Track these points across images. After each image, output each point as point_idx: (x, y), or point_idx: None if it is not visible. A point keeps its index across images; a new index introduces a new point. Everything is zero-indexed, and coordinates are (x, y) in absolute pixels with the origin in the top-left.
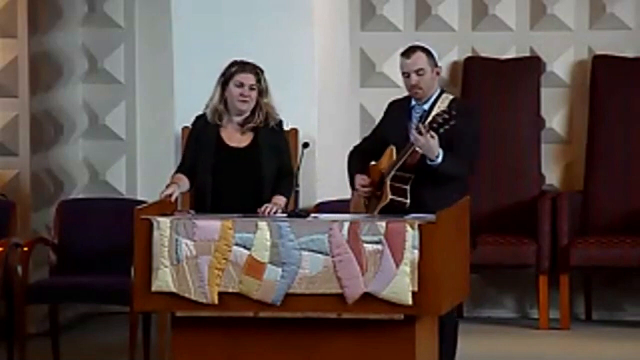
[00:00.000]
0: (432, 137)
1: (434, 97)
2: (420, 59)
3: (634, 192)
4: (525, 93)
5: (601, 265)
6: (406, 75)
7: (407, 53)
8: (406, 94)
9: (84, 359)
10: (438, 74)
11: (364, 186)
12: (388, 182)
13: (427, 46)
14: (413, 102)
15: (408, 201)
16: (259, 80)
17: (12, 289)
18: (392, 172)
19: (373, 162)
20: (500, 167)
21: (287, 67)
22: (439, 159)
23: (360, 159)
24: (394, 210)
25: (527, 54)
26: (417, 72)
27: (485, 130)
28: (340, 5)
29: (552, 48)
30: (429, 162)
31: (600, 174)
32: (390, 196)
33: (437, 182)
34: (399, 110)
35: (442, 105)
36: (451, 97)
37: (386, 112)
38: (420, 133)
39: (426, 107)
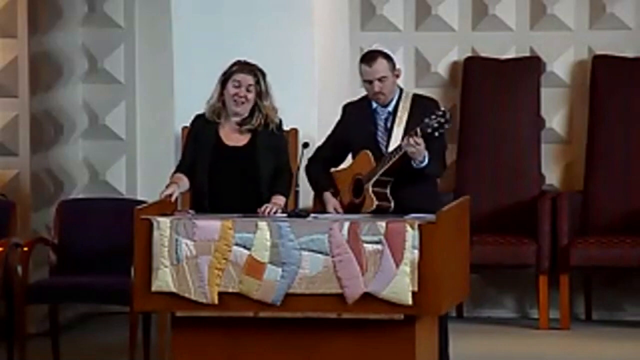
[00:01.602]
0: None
1: (396, 97)
2: (381, 66)
3: (634, 192)
4: (525, 93)
5: (601, 265)
6: (368, 82)
7: (368, 60)
8: (361, 95)
9: (84, 359)
10: (398, 76)
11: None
12: (370, 189)
13: (386, 50)
14: (374, 105)
15: (392, 205)
16: (257, 82)
17: (12, 289)
18: (375, 178)
19: (333, 169)
20: (500, 167)
21: (287, 67)
22: (425, 162)
23: (322, 169)
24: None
25: (527, 54)
26: (379, 79)
27: (485, 130)
28: (340, 5)
29: (552, 48)
30: (415, 166)
31: (600, 174)
32: (376, 202)
33: (412, 181)
34: (359, 114)
35: (405, 104)
36: (411, 93)
37: (343, 116)
38: (417, 143)
39: (390, 108)
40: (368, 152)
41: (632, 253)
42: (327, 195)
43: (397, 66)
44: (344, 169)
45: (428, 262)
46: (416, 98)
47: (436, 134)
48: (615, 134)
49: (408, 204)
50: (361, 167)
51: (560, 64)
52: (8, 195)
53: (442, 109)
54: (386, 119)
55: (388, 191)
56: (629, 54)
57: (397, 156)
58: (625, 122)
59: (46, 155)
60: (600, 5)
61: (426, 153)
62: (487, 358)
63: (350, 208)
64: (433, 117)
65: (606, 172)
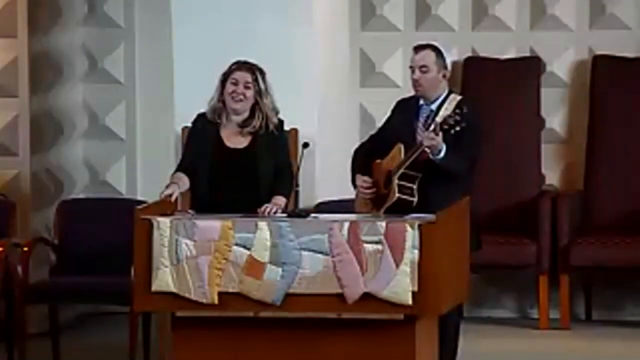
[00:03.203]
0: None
1: (442, 97)
2: (427, 57)
3: (634, 192)
4: (525, 93)
5: (601, 265)
6: (412, 69)
7: (418, 48)
8: (413, 93)
9: (84, 359)
10: (445, 76)
11: (366, 188)
12: (396, 181)
13: (439, 46)
14: (421, 102)
15: (415, 199)
16: (256, 80)
17: (12, 289)
18: (400, 171)
19: (378, 160)
20: (500, 167)
21: (287, 67)
22: (442, 154)
23: (364, 158)
24: (400, 208)
25: (527, 54)
26: (420, 68)
27: (485, 130)
28: (340, 5)
29: (552, 48)
30: (431, 157)
31: (600, 174)
32: (397, 194)
33: (441, 181)
34: (406, 110)
35: (449, 106)
36: (459, 97)
37: (393, 111)
38: (431, 138)
39: (434, 107)
40: (401, 145)
41: (632, 253)
42: (359, 176)
43: (448, 67)
44: (383, 161)
45: (428, 262)
46: (461, 102)
47: (452, 131)
48: (615, 134)
49: (428, 203)
50: (394, 160)
51: (560, 64)
52: (8, 195)
53: (464, 109)
54: (427, 116)
55: (415, 186)
56: (629, 54)
57: (418, 151)
58: (625, 122)
59: (46, 155)
60: (600, 5)
61: (444, 146)
62: (487, 358)
63: (380, 198)
64: (452, 114)
65: (606, 172)
